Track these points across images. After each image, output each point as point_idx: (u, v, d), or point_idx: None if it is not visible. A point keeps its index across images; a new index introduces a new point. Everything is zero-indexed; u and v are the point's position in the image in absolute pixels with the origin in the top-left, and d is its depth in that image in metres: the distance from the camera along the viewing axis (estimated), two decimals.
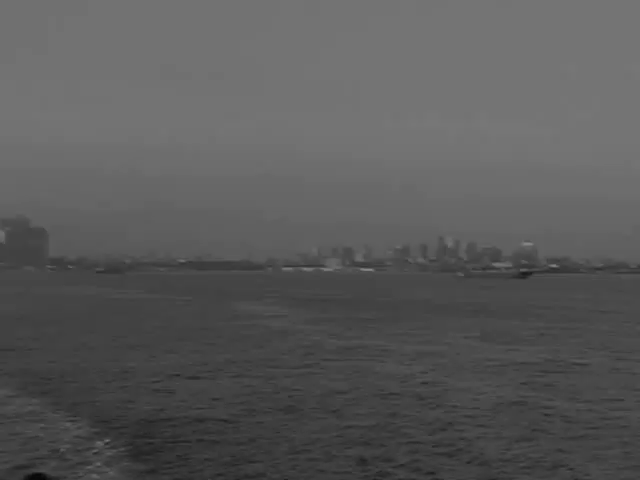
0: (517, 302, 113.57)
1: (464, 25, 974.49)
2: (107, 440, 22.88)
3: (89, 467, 20.12)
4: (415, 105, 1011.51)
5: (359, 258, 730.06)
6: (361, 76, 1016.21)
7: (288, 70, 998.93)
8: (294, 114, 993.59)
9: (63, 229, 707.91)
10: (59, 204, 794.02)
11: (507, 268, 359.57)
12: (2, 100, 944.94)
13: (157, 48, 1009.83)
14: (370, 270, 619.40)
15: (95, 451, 21.70)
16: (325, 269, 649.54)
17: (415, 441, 23.21)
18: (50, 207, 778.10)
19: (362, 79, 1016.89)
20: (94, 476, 19.39)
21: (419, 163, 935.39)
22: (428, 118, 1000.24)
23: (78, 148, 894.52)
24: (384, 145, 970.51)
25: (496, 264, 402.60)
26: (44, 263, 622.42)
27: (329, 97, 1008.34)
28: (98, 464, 20.39)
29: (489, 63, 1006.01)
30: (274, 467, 20.40)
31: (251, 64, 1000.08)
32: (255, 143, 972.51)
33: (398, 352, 46.42)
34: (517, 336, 57.04)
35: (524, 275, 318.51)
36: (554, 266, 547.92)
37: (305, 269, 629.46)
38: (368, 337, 55.92)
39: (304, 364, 40.80)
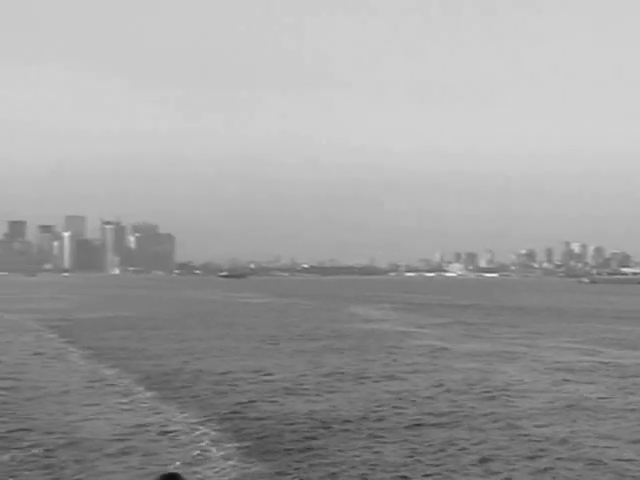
0: (636, 307, 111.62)
1: None
2: (235, 442, 23.74)
3: (216, 467, 21.06)
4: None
5: (483, 263, 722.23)
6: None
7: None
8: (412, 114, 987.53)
9: (190, 235, 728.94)
10: (186, 210, 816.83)
11: (634, 274, 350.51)
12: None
13: None
14: (494, 275, 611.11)
15: (222, 452, 22.52)
16: (448, 274, 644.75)
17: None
18: (177, 213, 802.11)
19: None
20: (221, 475, 20.55)
21: (546, 167, 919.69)
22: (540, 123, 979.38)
23: (203, 156, 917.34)
24: (507, 154, 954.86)
25: (624, 269, 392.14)
26: (172, 268, 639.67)
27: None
28: (224, 464, 21.35)
29: None
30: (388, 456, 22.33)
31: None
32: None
33: (501, 354, 47.60)
34: (622, 340, 57.07)
35: None
36: None
37: (427, 274, 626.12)
38: (476, 341, 57.14)
39: (415, 364, 42.73)
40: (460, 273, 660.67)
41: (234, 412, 28.40)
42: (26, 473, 20.60)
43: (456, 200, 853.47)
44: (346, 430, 25.43)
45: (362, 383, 35.66)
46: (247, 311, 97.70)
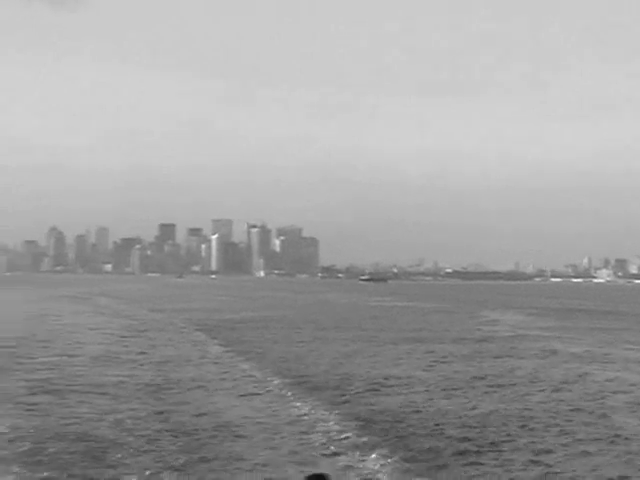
0: None
1: None
2: (376, 444, 23.94)
3: (361, 469, 21.43)
4: None
5: (633, 269, 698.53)
6: None
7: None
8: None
9: (335, 239, 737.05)
10: (331, 215, 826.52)
11: None
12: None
13: None
14: None
15: (370, 456, 22.58)
16: (595, 280, 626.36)
17: None
18: (322, 217, 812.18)
19: None
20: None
21: None
22: None
23: (353, 163, 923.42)
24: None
25: None
26: (315, 271, 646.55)
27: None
28: (363, 464, 21.80)
29: None
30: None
31: None
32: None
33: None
34: None
35: None
36: None
37: (574, 280, 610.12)
38: (603, 345, 56.81)
39: (561, 368, 42.93)
40: (608, 279, 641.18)
41: (374, 412, 29.12)
42: (172, 450, 23.06)
43: (607, 202, 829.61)
44: (507, 437, 25.48)
45: (509, 388, 35.84)
46: (387, 314, 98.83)
